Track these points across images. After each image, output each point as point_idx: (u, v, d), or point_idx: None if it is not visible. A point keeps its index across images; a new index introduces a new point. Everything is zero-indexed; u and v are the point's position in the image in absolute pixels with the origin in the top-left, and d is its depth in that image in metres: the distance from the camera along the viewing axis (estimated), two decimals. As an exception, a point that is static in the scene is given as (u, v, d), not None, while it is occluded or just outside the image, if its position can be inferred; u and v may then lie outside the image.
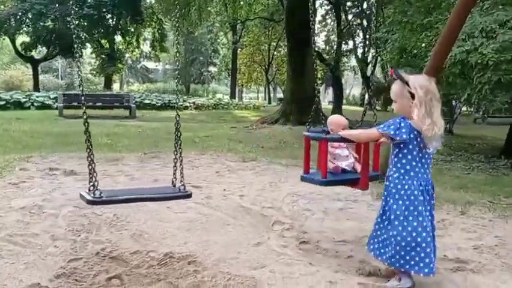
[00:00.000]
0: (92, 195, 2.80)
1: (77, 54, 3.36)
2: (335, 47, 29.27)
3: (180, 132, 3.12)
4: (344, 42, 29.31)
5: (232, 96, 40.00)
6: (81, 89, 3.00)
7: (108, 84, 34.78)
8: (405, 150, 2.73)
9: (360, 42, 35.29)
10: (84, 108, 2.89)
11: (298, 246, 3.54)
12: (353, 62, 38.38)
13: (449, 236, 3.83)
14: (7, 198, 4.23)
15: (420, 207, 2.68)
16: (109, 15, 32.23)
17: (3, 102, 18.71)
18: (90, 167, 2.82)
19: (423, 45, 10.06)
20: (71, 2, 3.13)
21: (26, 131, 10.42)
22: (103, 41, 33.83)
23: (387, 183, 2.83)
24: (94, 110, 16.35)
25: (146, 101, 23.30)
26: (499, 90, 7.67)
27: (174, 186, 3.17)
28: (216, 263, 3.07)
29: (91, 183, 2.82)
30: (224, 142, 9.89)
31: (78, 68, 3.18)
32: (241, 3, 26.74)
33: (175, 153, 3.11)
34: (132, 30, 34.52)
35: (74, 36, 3.09)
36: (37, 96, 20.34)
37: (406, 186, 2.71)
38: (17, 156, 6.33)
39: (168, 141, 9.21)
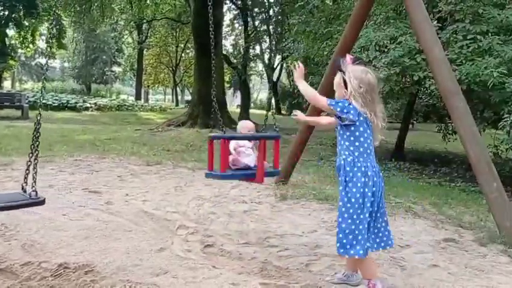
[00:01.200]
0: None
1: None
2: (243, 51, 29.74)
3: (39, 132, 2.92)
4: (251, 47, 29.89)
5: (138, 97, 38.75)
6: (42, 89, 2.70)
7: (-2, 81, 31.79)
8: (357, 133, 2.70)
9: (266, 48, 36.29)
10: (40, 107, 2.62)
11: (202, 250, 3.53)
12: (260, 66, 39.39)
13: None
14: None
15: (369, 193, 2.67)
16: (0, 7, 29.54)
17: None
18: None
19: (325, 53, 10.63)
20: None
21: None
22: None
23: (345, 168, 2.73)
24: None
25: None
26: (390, 99, 8.36)
27: (24, 191, 2.92)
28: (115, 271, 2.95)
29: None
30: (127, 145, 9.54)
31: None
32: (147, 2, 26.04)
33: (30, 155, 2.88)
34: (27, 24, 31.96)
35: None
36: None
37: (363, 168, 2.68)
38: None
39: (64, 144, 8.67)
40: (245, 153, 3.72)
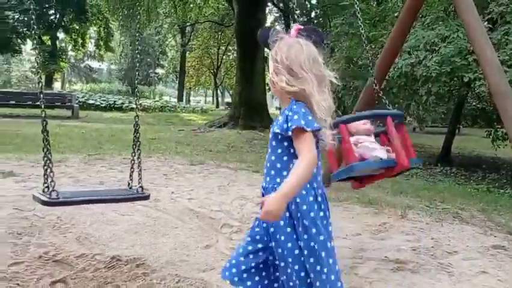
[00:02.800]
0: (48, 196, 2.66)
1: (37, 50, 3.13)
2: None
3: (139, 133, 3.08)
4: (292, 49, 29.85)
5: (180, 99, 39.56)
6: (40, 86, 2.86)
7: (49, 83, 33.30)
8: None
9: (307, 50, 36.14)
10: (43, 106, 2.79)
11: (247, 249, 3.59)
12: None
13: (390, 238, 4.02)
14: None
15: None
16: (52, 11, 30.96)
17: None
18: (46, 167, 2.68)
19: (369, 56, 10.49)
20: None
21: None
22: (44, 38, 32.39)
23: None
24: (34, 109, 15.62)
25: (90, 101, 22.58)
26: (439, 101, 8.17)
27: (130, 188, 3.11)
28: (164, 265, 3.05)
29: (46, 184, 2.68)
30: (171, 145, 9.78)
31: (38, 64, 3.04)
32: (191, 5, 26.56)
33: (133, 154, 3.05)
34: (77, 28, 33.37)
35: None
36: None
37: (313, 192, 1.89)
38: None
39: (112, 144, 8.98)
40: (369, 148, 2.88)
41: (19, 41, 30.62)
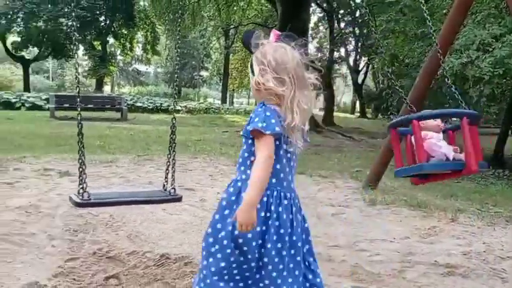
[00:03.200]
0: (80, 197, 2.78)
1: (75, 54, 3.31)
2: (327, 53, 29.51)
3: (175, 135, 3.15)
4: (335, 49, 29.54)
5: (223, 100, 40.04)
6: (77, 90, 3.00)
7: (99, 86, 34.66)
8: None
9: (352, 50, 35.65)
10: (79, 109, 2.91)
11: (292, 250, 3.59)
12: (345, 69, 38.81)
13: (440, 242, 3.91)
14: (2, 197, 4.23)
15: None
16: (102, 17, 32.21)
17: (-8, 102, 18.59)
18: (80, 168, 2.80)
19: (415, 54, 10.24)
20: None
21: (18, 132, 10.37)
22: (95, 43, 33.75)
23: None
24: (86, 111, 16.31)
25: (138, 104, 23.27)
26: (490, 102, 7.86)
27: (165, 189, 3.19)
28: (212, 264, 3.11)
29: (81, 186, 2.80)
30: (216, 146, 9.92)
31: (76, 69, 3.18)
32: (235, 8, 26.82)
33: (169, 156, 3.13)
34: (125, 32, 34.53)
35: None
36: (28, 97, 20.21)
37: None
38: (9, 156, 6.31)
39: (160, 145, 9.23)
40: (437, 145, 2.80)
41: (72, 46, 32.08)
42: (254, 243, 1.83)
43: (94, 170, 5.85)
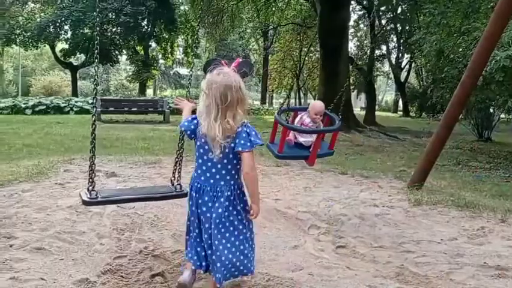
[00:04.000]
0: (88, 195, 2.86)
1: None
2: (368, 52, 29.00)
3: (183, 141, 3.20)
4: (377, 47, 28.98)
5: (263, 101, 40.17)
6: (94, 93, 3.04)
7: (142, 90, 35.58)
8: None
9: (393, 48, 34.89)
10: (94, 111, 2.99)
11: (334, 251, 3.56)
12: (386, 67, 37.98)
13: (489, 243, 3.76)
14: (54, 197, 4.41)
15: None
16: (144, 23, 33.07)
17: (43, 107, 19.43)
18: (90, 168, 2.88)
19: (459, 50, 9.90)
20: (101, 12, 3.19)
21: (67, 134, 10.82)
22: (137, 48, 34.70)
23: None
24: (130, 114, 16.79)
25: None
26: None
27: (172, 184, 3.25)
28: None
29: (89, 184, 2.87)
30: (257, 147, 9.95)
31: (95, 72, 3.27)
32: (273, 9, 26.84)
33: (177, 153, 3.20)
34: (166, 37, 35.29)
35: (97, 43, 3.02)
36: (76, 101, 21.02)
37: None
38: (60, 158, 6.58)
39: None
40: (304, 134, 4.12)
41: (116, 52, 33.11)
42: (192, 218, 2.63)
43: (140, 171, 6.01)
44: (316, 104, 4.33)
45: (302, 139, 4.14)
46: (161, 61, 41.75)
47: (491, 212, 4.67)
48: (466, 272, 3.11)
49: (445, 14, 10.29)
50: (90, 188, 2.86)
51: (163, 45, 36.03)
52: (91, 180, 2.87)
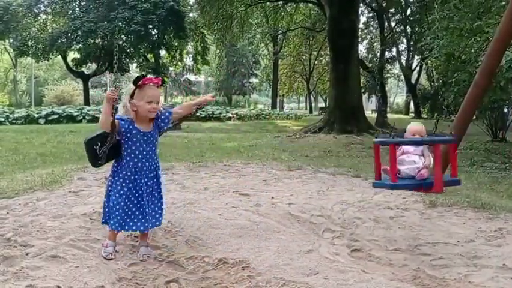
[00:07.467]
0: None
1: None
2: (378, 54, 28.89)
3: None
4: (387, 49, 28.86)
5: (273, 106, 40.21)
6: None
7: (153, 97, 35.82)
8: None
9: (403, 49, 34.70)
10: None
11: (350, 254, 3.53)
12: (397, 69, 37.79)
13: (508, 244, 3.69)
14: (68, 205, 4.45)
15: None
16: (154, 31, 33.38)
17: (56, 116, 19.70)
18: None
19: (472, 50, 9.81)
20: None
21: (80, 143, 10.88)
22: (148, 56, 35.02)
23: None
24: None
25: (190, 113, 23.88)
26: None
27: None
28: (269, 269, 3.10)
29: None
30: (268, 151, 9.96)
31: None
32: (282, 14, 26.91)
33: None
34: (176, 44, 35.57)
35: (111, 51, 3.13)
36: (88, 110, 21.26)
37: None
38: (73, 166, 6.65)
39: (213, 152, 9.41)
40: (406, 161, 3.68)
41: (127, 60, 33.45)
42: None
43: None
44: (414, 125, 4.19)
45: (404, 167, 3.84)
46: (171, 68, 42.04)
47: (508, 213, 4.58)
48: (485, 274, 3.05)
49: (452, 18, 10.21)
50: None
51: (172, 53, 36.34)
52: None
